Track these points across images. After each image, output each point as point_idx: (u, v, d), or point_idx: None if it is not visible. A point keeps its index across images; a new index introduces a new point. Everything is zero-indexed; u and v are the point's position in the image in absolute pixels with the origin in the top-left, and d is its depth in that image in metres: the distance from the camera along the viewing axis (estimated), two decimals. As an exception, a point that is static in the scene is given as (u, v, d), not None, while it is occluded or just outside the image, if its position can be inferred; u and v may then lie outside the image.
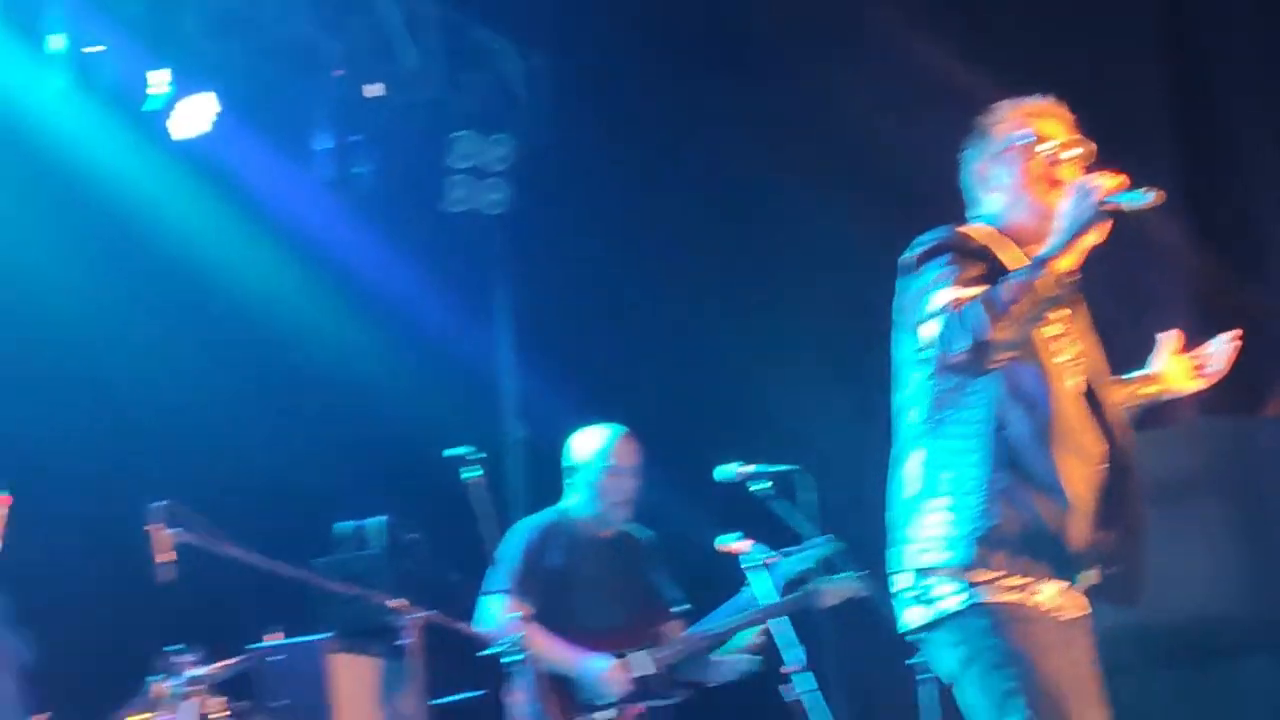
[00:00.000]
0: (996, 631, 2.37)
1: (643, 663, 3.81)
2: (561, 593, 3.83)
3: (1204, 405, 3.91)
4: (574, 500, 3.98)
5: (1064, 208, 2.37)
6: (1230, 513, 4.21)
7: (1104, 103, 3.34)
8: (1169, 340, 2.78)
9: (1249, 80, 5.00)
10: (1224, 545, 4.19)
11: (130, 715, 3.35)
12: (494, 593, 3.74)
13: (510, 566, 3.75)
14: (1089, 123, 2.57)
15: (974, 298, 2.34)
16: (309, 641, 4.24)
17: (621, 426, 4.05)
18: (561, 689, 3.76)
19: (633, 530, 4.07)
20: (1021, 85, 2.64)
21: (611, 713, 3.79)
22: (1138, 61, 5.05)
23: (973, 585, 2.37)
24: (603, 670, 3.76)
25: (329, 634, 4.29)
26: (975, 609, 2.37)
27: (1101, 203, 2.30)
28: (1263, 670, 4.18)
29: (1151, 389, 2.77)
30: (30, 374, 4.49)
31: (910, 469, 2.50)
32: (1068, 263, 2.32)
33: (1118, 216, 2.31)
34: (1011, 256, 2.46)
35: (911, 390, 2.53)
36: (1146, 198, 2.31)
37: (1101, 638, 2.45)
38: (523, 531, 3.89)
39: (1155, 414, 2.94)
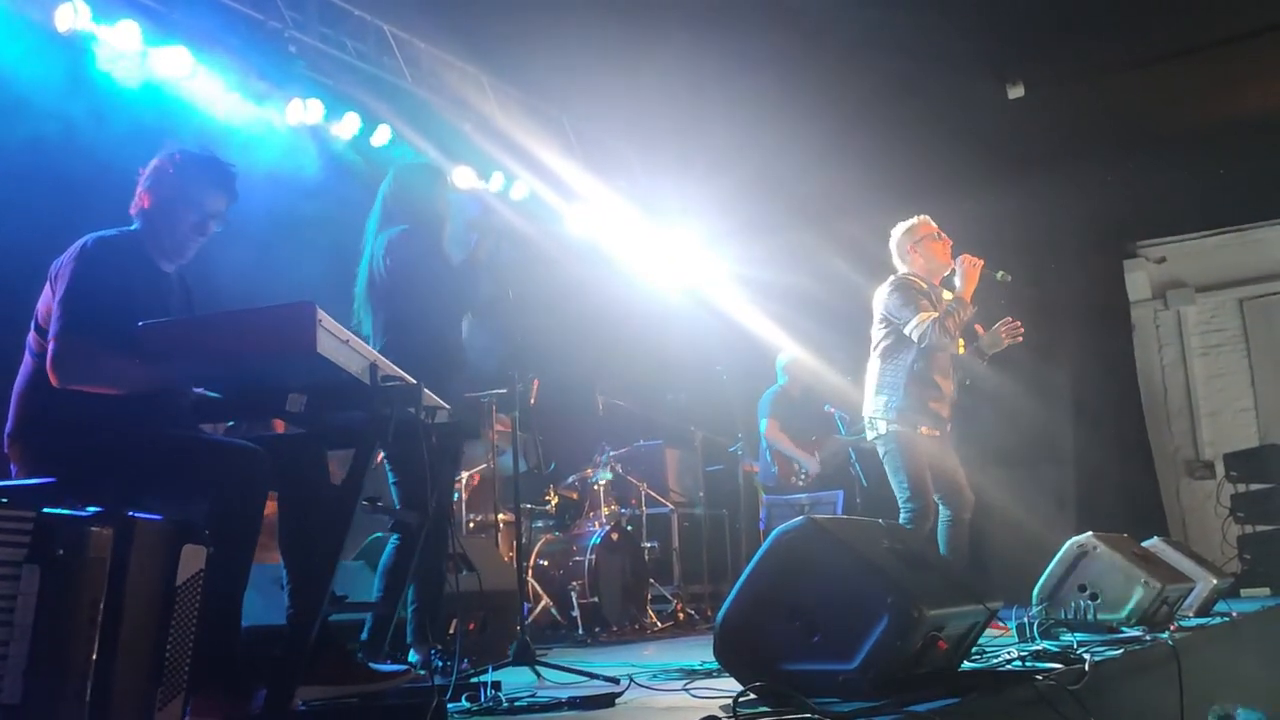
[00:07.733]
0: (899, 443, 4.94)
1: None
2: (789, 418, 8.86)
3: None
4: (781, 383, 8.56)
5: (958, 270, 4.80)
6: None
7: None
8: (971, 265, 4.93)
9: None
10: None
11: None
12: (764, 417, 8.36)
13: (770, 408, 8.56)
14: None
15: (937, 316, 4.71)
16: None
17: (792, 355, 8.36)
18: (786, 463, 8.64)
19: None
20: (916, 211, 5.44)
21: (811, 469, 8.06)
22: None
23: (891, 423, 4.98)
24: (807, 456, 8.19)
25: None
26: (892, 433, 4.96)
27: (975, 270, 4.78)
28: (1047, 472, 9.60)
29: (991, 348, 5.10)
30: None
31: (870, 374, 5.18)
32: (967, 298, 4.80)
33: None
34: (929, 288, 5.03)
35: (877, 342, 5.07)
36: (1000, 274, 4.85)
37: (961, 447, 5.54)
38: (766, 398, 8.43)
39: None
